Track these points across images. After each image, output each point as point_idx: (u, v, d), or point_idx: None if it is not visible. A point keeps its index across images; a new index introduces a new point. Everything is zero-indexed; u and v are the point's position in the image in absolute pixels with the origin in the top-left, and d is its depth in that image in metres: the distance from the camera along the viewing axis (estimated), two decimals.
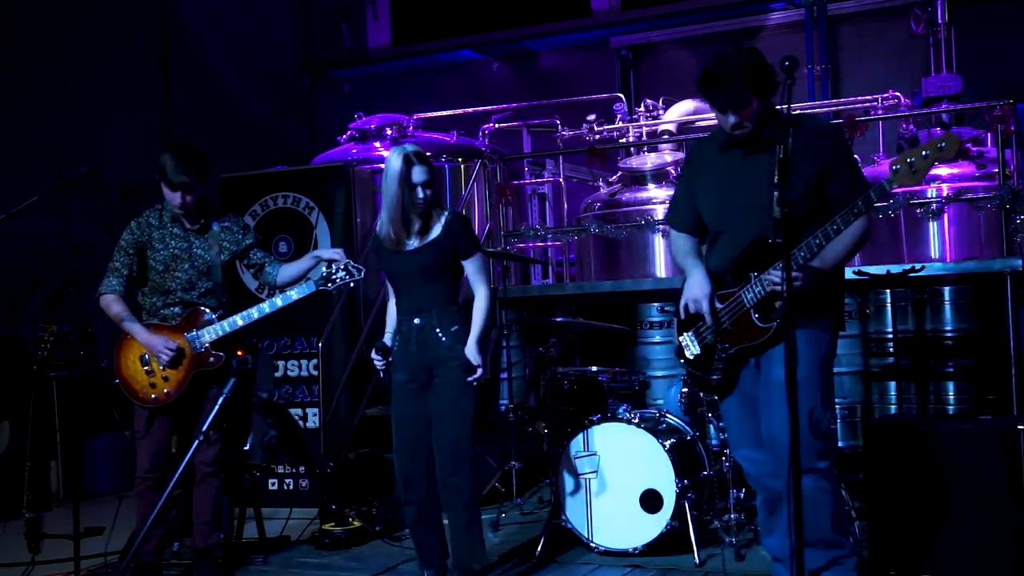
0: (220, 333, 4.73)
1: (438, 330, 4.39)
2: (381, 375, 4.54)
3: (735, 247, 3.72)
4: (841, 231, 3.49)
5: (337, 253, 4.73)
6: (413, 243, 4.40)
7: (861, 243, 3.70)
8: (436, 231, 4.39)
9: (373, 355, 4.51)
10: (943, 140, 3.29)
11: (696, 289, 3.80)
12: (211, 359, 4.73)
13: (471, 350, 4.37)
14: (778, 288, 3.48)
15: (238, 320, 4.73)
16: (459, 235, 4.42)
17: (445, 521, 4.60)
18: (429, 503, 4.49)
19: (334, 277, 4.67)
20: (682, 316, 3.89)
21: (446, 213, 4.47)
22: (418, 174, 4.32)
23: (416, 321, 4.41)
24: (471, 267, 4.46)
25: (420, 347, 4.40)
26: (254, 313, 4.73)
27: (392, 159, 4.36)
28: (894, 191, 6.18)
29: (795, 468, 3.11)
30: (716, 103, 3.68)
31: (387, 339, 4.55)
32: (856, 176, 3.70)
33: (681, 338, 3.91)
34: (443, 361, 4.39)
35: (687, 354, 3.89)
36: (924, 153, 3.29)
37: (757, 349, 3.70)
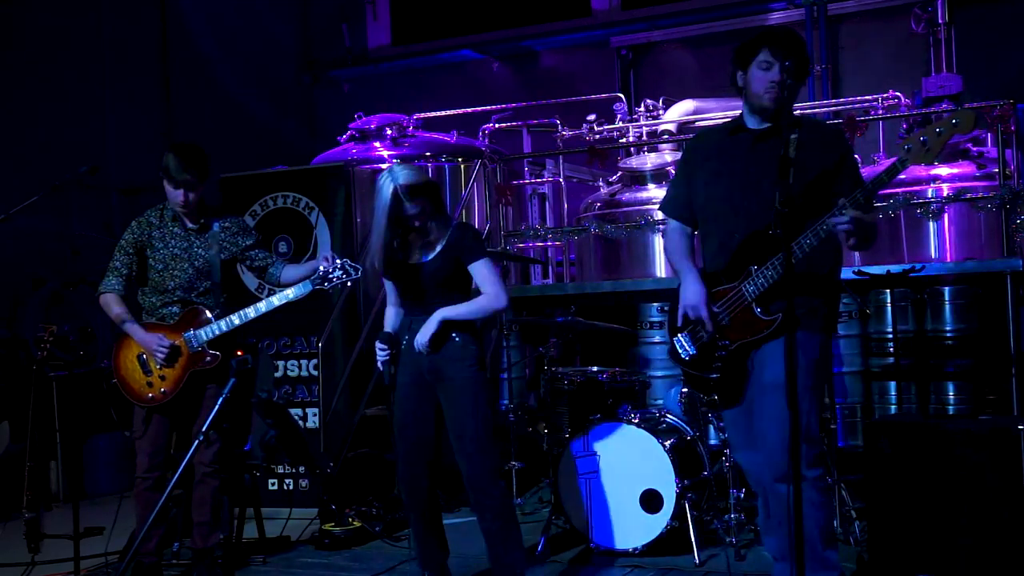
0: (217, 332, 4.73)
1: (452, 330, 4.30)
2: (381, 367, 4.37)
3: (732, 241, 3.70)
4: (873, 194, 3.49)
5: (327, 255, 4.72)
6: (424, 255, 4.29)
7: (874, 232, 3.67)
8: (443, 243, 4.28)
9: (377, 345, 4.36)
10: (957, 116, 3.22)
11: (691, 296, 3.78)
12: (207, 358, 4.74)
13: (433, 318, 4.21)
14: (844, 227, 3.43)
15: (234, 319, 4.74)
16: (462, 240, 4.30)
17: (446, 521, 4.60)
18: (432, 507, 4.45)
19: (331, 276, 4.67)
20: (679, 323, 3.88)
21: (453, 223, 4.36)
22: (409, 210, 4.16)
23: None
24: (476, 273, 4.29)
25: (432, 345, 4.29)
26: (250, 312, 4.74)
27: (382, 188, 4.17)
28: (893, 190, 6.22)
29: (795, 468, 3.10)
30: (784, 53, 3.56)
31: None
32: (859, 179, 3.70)
33: (675, 339, 3.89)
34: (455, 361, 4.28)
35: (682, 355, 3.88)
36: (938, 131, 3.24)
37: (758, 344, 3.69)
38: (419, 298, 4.33)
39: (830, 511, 3.81)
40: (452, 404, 4.31)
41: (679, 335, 3.86)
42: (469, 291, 4.40)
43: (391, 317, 4.50)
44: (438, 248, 4.29)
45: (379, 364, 4.39)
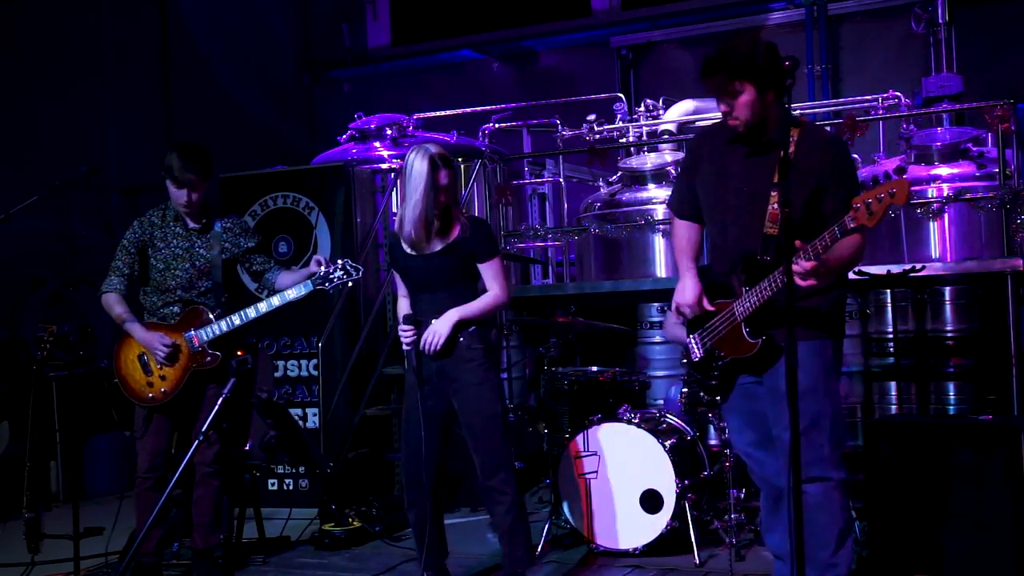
0: (217, 332, 4.73)
1: (460, 331, 4.28)
2: (407, 348, 4.36)
3: (730, 256, 3.69)
4: (829, 248, 3.44)
5: (318, 258, 4.72)
6: (435, 245, 4.29)
7: (857, 257, 3.64)
8: (457, 233, 4.29)
9: (401, 327, 4.35)
10: (894, 186, 3.27)
11: (684, 295, 3.79)
12: (208, 358, 4.74)
13: (447, 318, 4.24)
14: (797, 285, 3.35)
15: (235, 319, 4.74)
16: (479, 237, 4.32)
17: (447, 522, 4.59)
18: (432, 506, 4.45)
19: (332, 276, 4.67)
20: (673, 319, 3.89)
21: (466, 215, 4.39)
22: (444, 178, 4.20)
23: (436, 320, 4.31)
24: (487, 271, 4.33)
25: (443, 347, 4.28)
26: (251, 312, 4.74)
27: (416, 160, 4.19)
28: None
29: (795, 471, 3.10)
30: (707, 89, 3.58)
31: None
32: (854, 189, 3.59)
33: (689, 339, 3.90)
34: (462, 362, 4.29)
35: (692, 357, 3.88)
36: (880, 197, 3.28)
37: (748, 362, 3.69)
38: (430, 289, 4.33)
39: (849, 516, 3.78)
40: (465, 405, 4.32)
41: (692, 336, 3.87)
42: (476, 286, 4.40)
43: (404, 310, 4.48)
44: (453, 238, 4.29)
45: (404, 347, 4.36)
